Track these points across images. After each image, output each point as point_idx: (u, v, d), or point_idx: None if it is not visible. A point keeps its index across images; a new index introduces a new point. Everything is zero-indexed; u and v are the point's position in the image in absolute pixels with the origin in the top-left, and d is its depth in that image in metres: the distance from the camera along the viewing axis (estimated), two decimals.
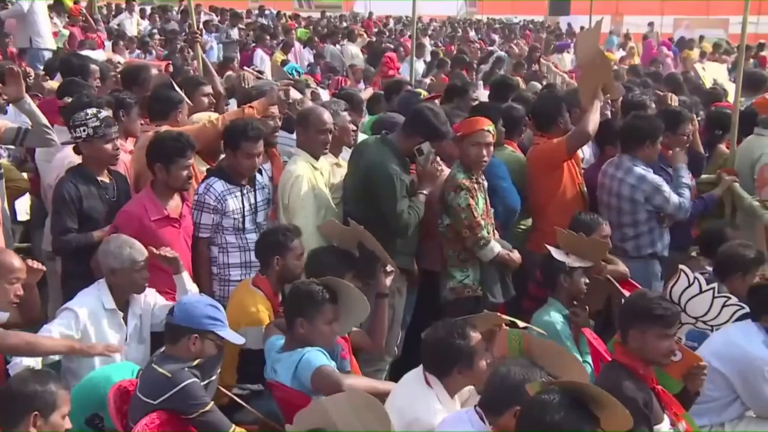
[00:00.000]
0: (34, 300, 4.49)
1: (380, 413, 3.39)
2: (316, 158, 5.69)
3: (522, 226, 6.27)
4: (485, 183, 5.63)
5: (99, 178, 5.21)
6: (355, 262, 4.85)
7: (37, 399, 3.47)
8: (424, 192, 5.50)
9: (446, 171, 5.64)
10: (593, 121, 5.97)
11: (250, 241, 5.33)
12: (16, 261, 4.28)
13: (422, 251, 5.74)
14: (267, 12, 27.06)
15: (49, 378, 3.59)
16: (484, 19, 37.24)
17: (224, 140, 5.46)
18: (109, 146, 5.19)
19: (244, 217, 5.35)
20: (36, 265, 4.49)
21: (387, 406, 3.87)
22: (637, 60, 18.65)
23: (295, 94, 6.40)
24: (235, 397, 4.38)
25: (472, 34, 28.67)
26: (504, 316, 4.25)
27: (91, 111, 5.19)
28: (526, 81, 12.42)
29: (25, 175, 6.86)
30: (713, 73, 14.30)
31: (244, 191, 5.37)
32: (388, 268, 4.88)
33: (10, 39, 13.80)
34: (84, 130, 5.13)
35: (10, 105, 5.86)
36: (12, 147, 6.21)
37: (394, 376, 5.10)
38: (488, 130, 5.53)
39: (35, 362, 4.36)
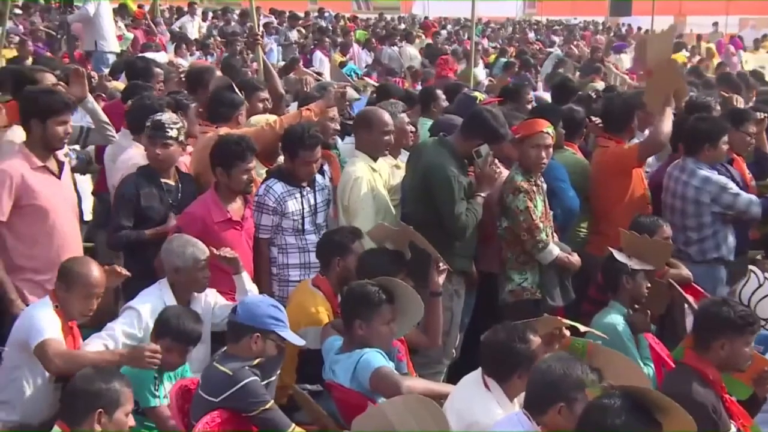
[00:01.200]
0: (107, 303, 4.59)
1: (437, 415, 3.38)
2: (375, 159, 5.71)
3: (582, 229, 6.21)
4: (544, 185, 5.58)
5: (163, 180, 5.28)
6: (407, 263, 4.85)
7: (102, 396, 3.52)
8: (482, 194, 5.47)
9: (504, 173, 5.61)
10: (666, 129, 5.94)
11: (310, 242, 5.36)
12: (96, 274, 4.34)
13: (480, 253, 5.71)
14: (326, 14, 27.19)
15: (113, 376, 3.65)
16: (543, 20, 36.94)
17: (282, 146, 5.49)
18: (151, 148, 5.26)
19: (303, 218, 5.37)
20: (123, 271, 4.61)
21: (445, 408, 3.87)
22: (716, 61, 18.12)
23: (352, 95, 6.41)
24: (303, 392, 4.41)
25: (531, 35, 28.45)
26: (565, 320, 4.21)
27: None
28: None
29: (89, 176, 7.00)
30: (756, 61, 13.97)
31: (304, 192, 5.39)
32: (441, 266, 4.87)
33: (80, 42, 14.10)
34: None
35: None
36: (78, 148, 6.34)
37: (452, 378, 5.08)
38: (547, 132, 5.49)
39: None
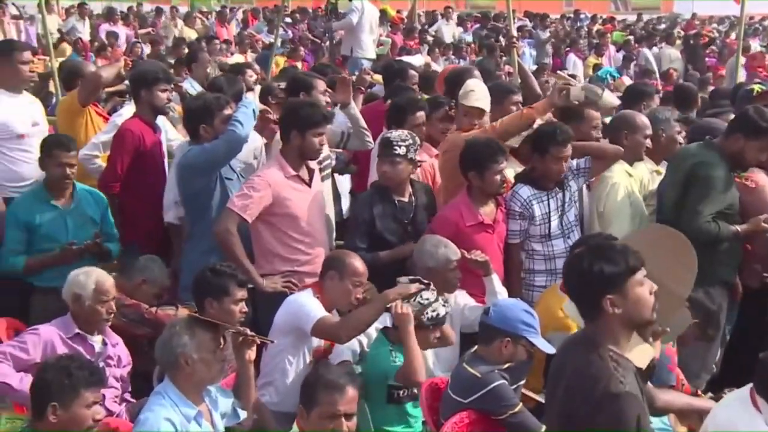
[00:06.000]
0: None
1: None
2: (631, 164, 5.56)
3: None
4: None
5: (396, 198, 5.27)
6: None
7: (304, 395, 3.50)
8: (742, 227, 5.16)
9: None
10: None
11: (557, 249, 5.30)
12: (360, 265, 4.53)
13: (745, 267, 5.40)
14: (582, 15, 26.71)
15: (324, 374, 3.53)
16: None
17: (533, 145, 5.42)
18: (380, 165, 5.26)
19: (549, 221, 5.30)
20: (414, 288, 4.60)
21: (707, 422, 3.71)
22: None
23: (612, 100, 6.17)
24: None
25: None
26: None
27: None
28: None
29: (348, 177, 7.29)
30: None
31: (552, 194, 5.33)
32: None
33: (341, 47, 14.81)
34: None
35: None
36: (339, 150, 6.61)
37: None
38: None
39: (352, 353, 4.62)
